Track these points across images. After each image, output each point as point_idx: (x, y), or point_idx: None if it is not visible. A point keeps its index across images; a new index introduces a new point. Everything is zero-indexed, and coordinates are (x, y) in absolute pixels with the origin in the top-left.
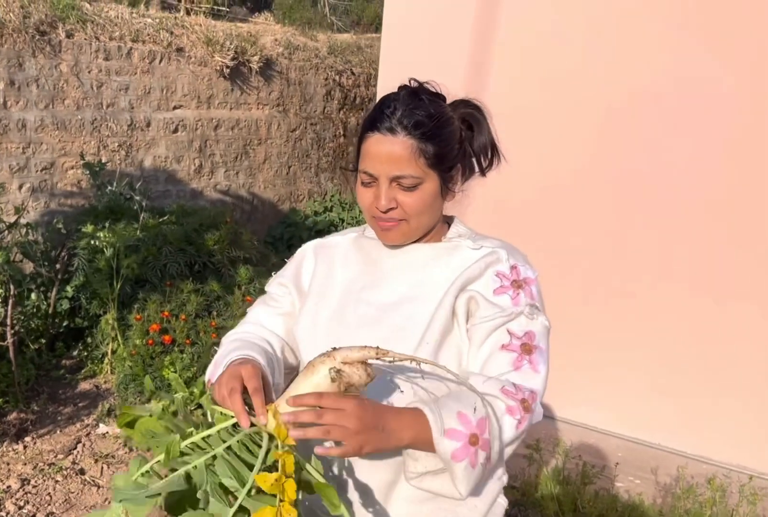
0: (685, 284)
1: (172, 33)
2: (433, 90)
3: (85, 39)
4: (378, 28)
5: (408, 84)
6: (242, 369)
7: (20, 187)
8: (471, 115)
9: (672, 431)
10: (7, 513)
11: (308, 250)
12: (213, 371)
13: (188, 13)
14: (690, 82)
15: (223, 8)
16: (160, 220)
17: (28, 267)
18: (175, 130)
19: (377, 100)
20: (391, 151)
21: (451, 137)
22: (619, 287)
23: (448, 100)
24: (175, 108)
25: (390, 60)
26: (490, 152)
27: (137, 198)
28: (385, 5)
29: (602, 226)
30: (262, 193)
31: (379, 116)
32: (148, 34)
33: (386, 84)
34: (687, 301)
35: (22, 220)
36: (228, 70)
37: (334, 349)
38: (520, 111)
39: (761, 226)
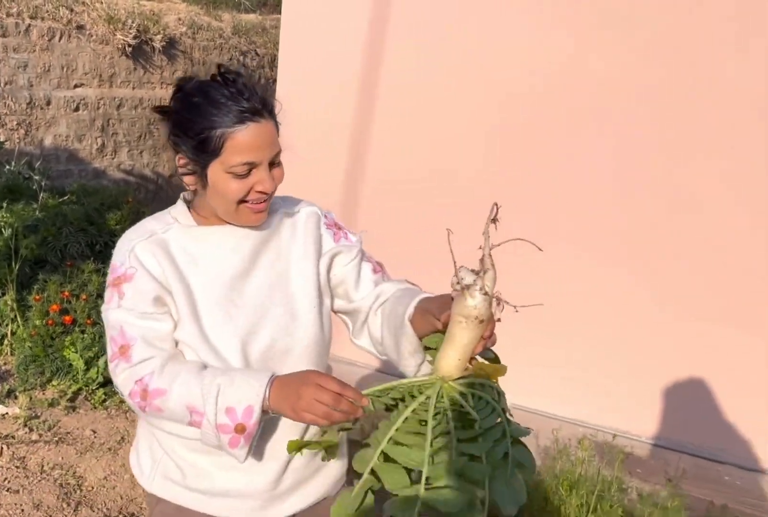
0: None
1: (72, 10)
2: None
3: None
4: None
5: (221, 72)
6: (303, 377)
7: None
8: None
9: (548, 397)
10: None
11: (142, 255)
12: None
13: None
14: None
15: None
16: (60, 199)
17: None
18: (77, 109)
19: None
20: (268, 135)
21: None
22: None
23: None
24: (76, 86)
25: (290, 42)
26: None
27: (36, 177)
28: None
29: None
30: (166, 172)
31: (241, 107)
32: (47, 11)
33: (288, 65)
34: (570, 271)
35: None
36: (130, 49)
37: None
38: (414, 94)
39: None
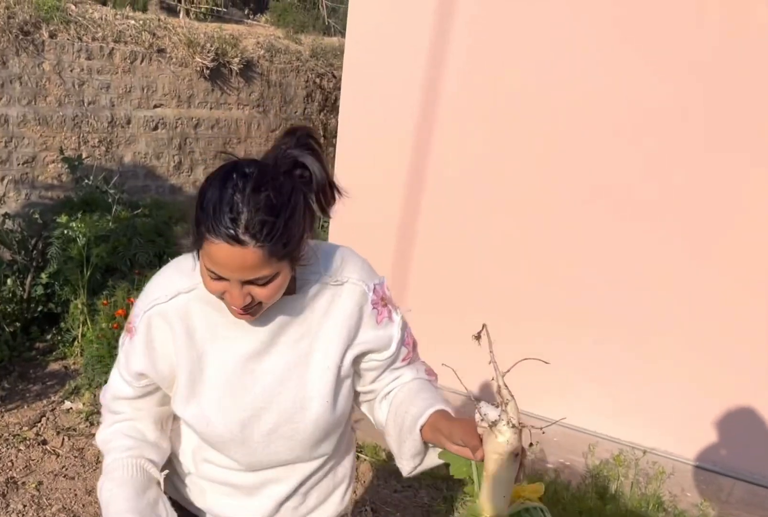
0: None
1: (154, 34)
2: (258, 159)
3: (68, 39)
4: None
5: (238, 164)
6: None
7: (2, 179)
8: (303, 155)
9: (607, 417)
10: None
11: (156, 324)
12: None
13: (187, 13)
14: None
15: (222, 9)
16: (133, 213)
17: (5, 255)
18: (155, 128)
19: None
20: (241, 261)
21: (298, 223)
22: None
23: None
24: (155, 106)
25: (353, 63)
26: (329, 192)
27: (112, 191)
28: (349, 9)
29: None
30: None
31: (221, 222)
32: (131, 35)
33: (350, 87)
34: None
35: (2, 211)
36: (208, 71)
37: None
38: (478, 114)
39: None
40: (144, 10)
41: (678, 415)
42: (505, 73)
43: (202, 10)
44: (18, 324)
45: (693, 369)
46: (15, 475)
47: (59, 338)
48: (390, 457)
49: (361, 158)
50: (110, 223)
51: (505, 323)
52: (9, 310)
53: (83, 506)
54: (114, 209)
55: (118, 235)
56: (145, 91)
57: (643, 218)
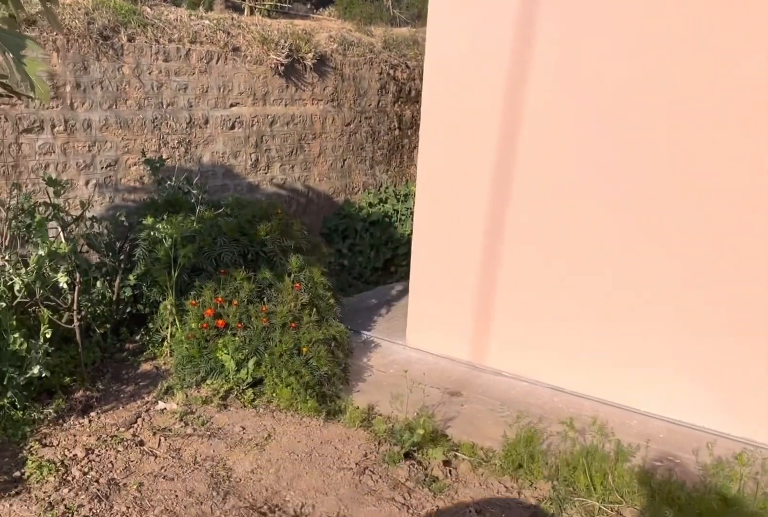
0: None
1: (228, 33)
2: None
3: (146, 42)
4: None
5: None
6: None
7: (86, 183)
8: None
9: (710, 412)
10: (73, 478)
11: None
12: None
13: (251, 11)
14: None
15: (286, 5)
16: (216, 212)
17: (94, 257)
18: (232, 127)
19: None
20: None
21: None
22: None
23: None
24: (231, 106)
25: (435, 53)
26: None
27: (194, 192)
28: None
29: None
30: (317, 185)
31: None
32: (206, 36)
33: (432, 79)
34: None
35: (88, 214)
36: (282, 68)
37: None
38: (560, 106)
39: None
40: (210, 9)
41: None
42: (599, 68)
43: (267, 6)
44: (108, 326)
45: None
46: (116, 476)
47: (148, 338)
48: (489, 455)
49: (444, 155)
50: (195, 224)
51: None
52: (99, 312)
53: (185, 507)
54: (198, 210)
55: (203, 236)
56: (221, 90)
57: None
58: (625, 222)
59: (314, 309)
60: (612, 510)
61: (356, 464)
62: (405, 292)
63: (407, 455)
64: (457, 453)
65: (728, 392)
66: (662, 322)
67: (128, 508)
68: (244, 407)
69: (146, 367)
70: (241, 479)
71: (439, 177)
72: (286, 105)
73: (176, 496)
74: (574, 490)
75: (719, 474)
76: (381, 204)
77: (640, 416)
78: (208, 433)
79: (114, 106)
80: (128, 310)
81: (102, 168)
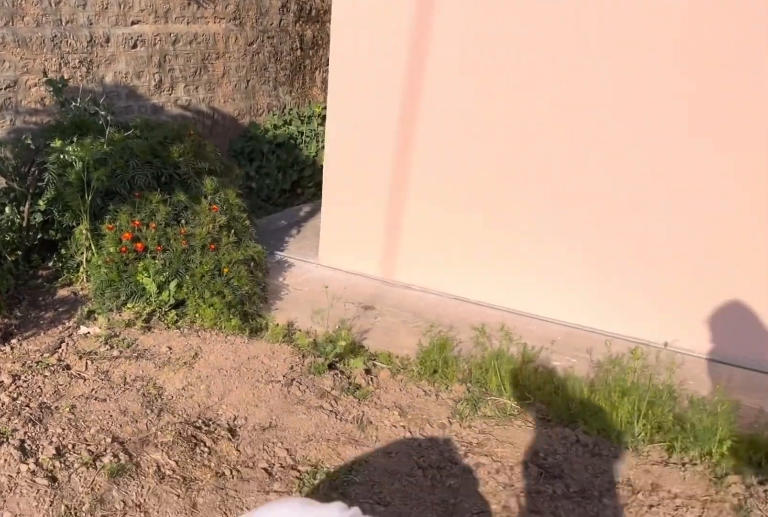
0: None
1: None
2: None
3: None
4: None
5: None
6: None
7: None
8: None
9: (604, 316)
10: (3, 404)
11: None
12: None
13: None
14: None
15: None
16: (126, 134)
17: (0, 182)
18: (134, 46)
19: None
20: None
21: None
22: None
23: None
24: (133, 23)
25: None
26: None
27: (102, 113)
28: None
29: None
30: (222, 107)
31: None
32: None
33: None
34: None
35: None
36: None
37: None
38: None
39: None
40: None
41: (677, 309)
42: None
43: None
44: (19, 253)
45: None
46: (46, 400)
47: (62, 264)
48: (405, 363)
49: (354, 75)
50: (105, 146)
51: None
52: (8, 239)
53: (120, 426)
54: (107, 132)
55: (114, 158)
56: (122, 7)
57: None
58: (526, 137)
59: (232, 231)
60: (521, 407)
61: (283, 376)
62: (313, 213)
63: (331, 366)
64: (375, 362)
65: (621, 296)
66: (558, 232)
67: (63, 430)
68: (168, 328)
69: (63, 293)
70: (173, 397)
71: (349, 97)
72: (188, 23)
73: (110, 416)
74: (486, 390)
75: (614, 369)
76: (286, 126)
77: (539, 321)
78: (135, 354)
79: (10, 23)
80: (39, 236)
81: (1, 89)
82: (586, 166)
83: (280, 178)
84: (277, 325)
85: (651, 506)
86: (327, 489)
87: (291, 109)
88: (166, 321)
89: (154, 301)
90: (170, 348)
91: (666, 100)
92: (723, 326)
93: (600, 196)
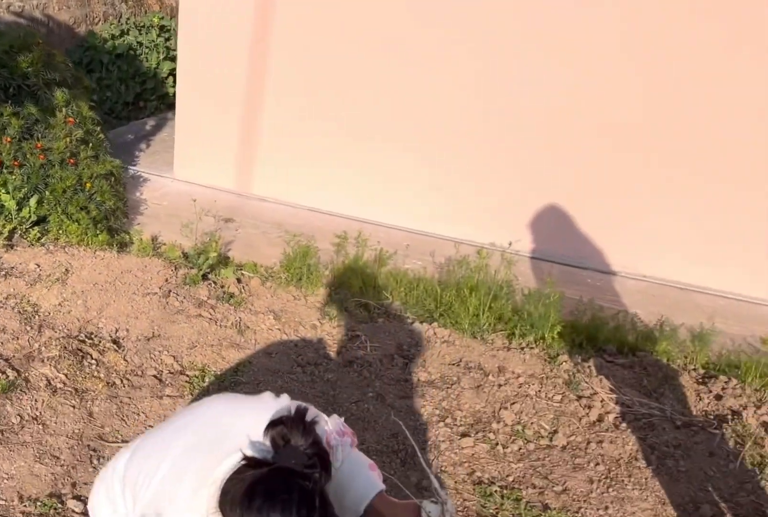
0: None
1: None
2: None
3: None
4: None
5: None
6: None
7: None
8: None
9: (445, 222)
10: None
11: None
12: None
13: None
14: None
15: None
16: None
17: None
18: None
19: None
20: None
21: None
22: None
23: None
24: None
25: None
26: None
27: None
28: None
29: None
30: (57, 15)
31: None
32: None
33: None
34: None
35: None
36: None
37: None
38: None
39: None
40: None
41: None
42: None
43: None
44: None
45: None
46: None
47: None
48: (271, 272)
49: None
50: None
51: None
52: None
53: (2, 343)
54: None
55: None
56: None
57: None
58: (383, 52)
59: (89, 145)
60: (382, 305)
61: (159, 288)
62: (159, 127)
63: (203, 277)
64: (243, 272)
65: (464, 203)
66: (408, 146)
67: None
68: (32, 245)
69: None
70: (50, 313)
71: (200, 1)
72: None
73: None
74: (350, 293)
75: (461, 269)
76: (124, 36)
77: (387, 228)
78: (2, 272)
79: None
80: None
81: None
82: (436, 79)
83: (123, 91)
84: (143, 240)
85: (500, 385)
86: (216, 390)
87: (128, 19)
88: (28, 238)
89: (14, 218)
90: (38, 265)
91: None
92: (544, 227)
93: (444, 111)
